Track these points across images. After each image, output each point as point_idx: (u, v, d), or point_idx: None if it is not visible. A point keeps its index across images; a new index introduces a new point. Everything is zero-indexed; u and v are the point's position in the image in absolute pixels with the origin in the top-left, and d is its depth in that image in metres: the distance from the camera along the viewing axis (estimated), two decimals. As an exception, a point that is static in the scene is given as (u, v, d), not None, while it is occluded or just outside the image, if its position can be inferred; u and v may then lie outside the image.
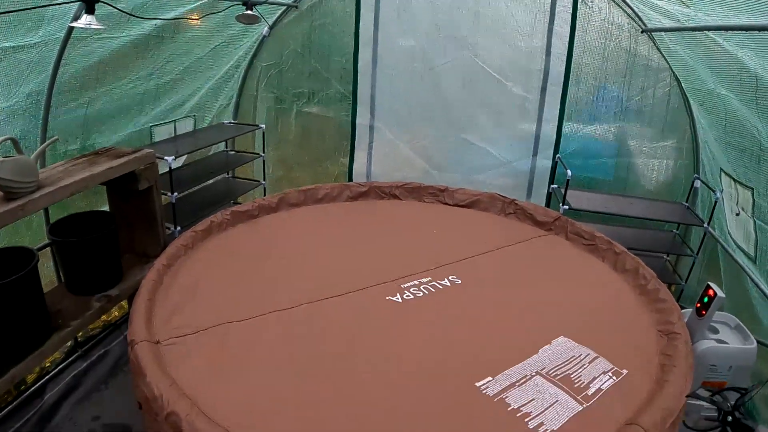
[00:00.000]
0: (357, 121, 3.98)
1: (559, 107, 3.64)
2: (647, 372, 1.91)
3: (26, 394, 2.77)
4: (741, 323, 2.78)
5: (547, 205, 3.74)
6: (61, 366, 3.02)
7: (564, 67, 3.57)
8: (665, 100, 3.85)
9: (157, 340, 1.94)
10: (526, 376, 1.85)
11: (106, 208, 3.07)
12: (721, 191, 3.29)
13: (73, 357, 3.10)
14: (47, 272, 2.88)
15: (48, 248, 2.86)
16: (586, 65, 3.86)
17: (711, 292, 2.63)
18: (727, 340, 2.73)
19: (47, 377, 2.91)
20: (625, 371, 1.90)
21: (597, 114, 3.98)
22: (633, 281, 2.51)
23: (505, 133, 3.82)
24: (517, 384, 1.81)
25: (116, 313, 3.53)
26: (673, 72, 3.71)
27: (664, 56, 3.71)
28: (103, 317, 3.25)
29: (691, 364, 1.90)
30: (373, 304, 2.26)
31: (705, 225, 3.43)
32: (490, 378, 1.84)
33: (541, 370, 1.88)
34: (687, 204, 3.81)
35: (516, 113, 3.76)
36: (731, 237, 3.18)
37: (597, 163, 4.07)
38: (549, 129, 3.70)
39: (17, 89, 2.60)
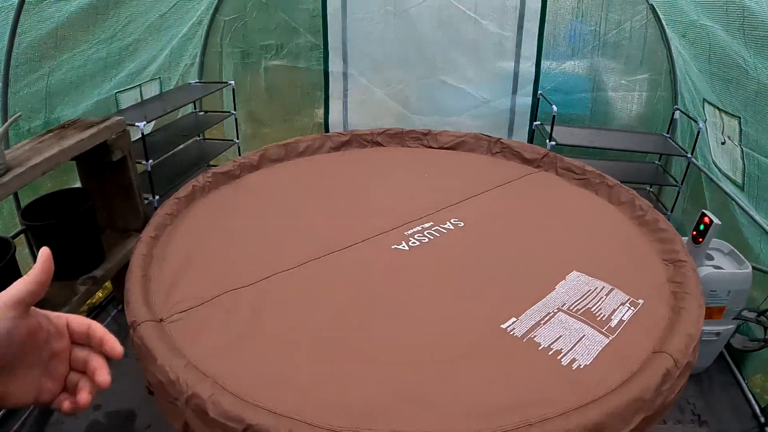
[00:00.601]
0: (330, 69, 3.84)
1: (536, 44, 3.58)
2: (662, 300, 1.89)
3: None
4: (734, 249, 2.83)
5: (531, 141, 3.71)
6: None
7: (540, 3, 3.49)
8: (642, 33, 3.81)
9: (160, 319, 1.78)
10: (549, 313, 1.81)
11: (77, 184, 2.89)
12: (704, 121, 3.30)
13: None
14: (24, 260, 2.67)
15: (22, 235, 2.67)
16: (563, 0, 3.77)
17: (707, 219, 2.67)
18: (722, 265, 2.79)
19: None
20: (641, 301, 1.88)
21: (574, 50, 3.93)
22: (630, 213, 2.49)
23: (482, 72, 3.75)
24: (542, 322, 1.77)
25: (100, 294, 3.38)
26: (650, 5, 3.67)
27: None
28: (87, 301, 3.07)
29: (702, 291, 1.88)
30: (380, 255, 2.17)
31: (688, 155, 3.45)
32: (514, 318, 1.79)
33: (562, 306, 1.85)
34: (668, 135, 3.82)
35: (493, 52, 3.68)
36: (716, 166, 3.22)
37: (575, 99, 4.05)
38: (527, 66, 3.64)
39: (-30, 65, 2.39)
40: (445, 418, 1.41)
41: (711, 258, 2.83)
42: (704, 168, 3.38)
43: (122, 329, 3.06)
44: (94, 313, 3.23)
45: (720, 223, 2.64)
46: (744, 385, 2.92)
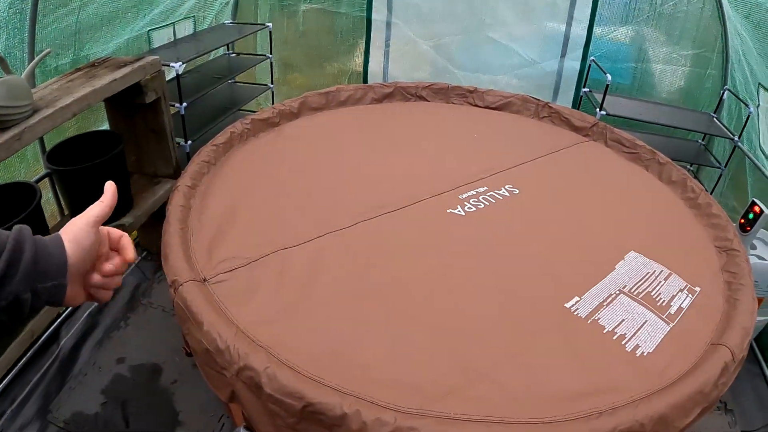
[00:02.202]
0: (373, 17, 3.69)
1: (590, 7, 3.43)
2: (717, 289, 1.84)
3: (40, 341, 2.51)
4: (778, 240, 2.76)
5: (577, 108, 3.60)
6: None
7: (599, -36, 3.34)
8: (698, 8, 3.65)
9: (203, 278, 1.67)
10: (611, 294, 1.75)
11: (102, 126, 2.78)
12: (757, 106, 3.18)
13: None
14: (47, 205, 2.61)
15: (47, 178, 2.58)
16: (622, -36, 3.61)
17: (757, 208, 2.60)
18: (765, 256, 2.72)
19: (60, 319, 2.64)
20: (698, 289, 1.83)
21: (627, 17, 3.76)
22: (681, 193, 2.42)
23: (532, 31, 3.61)
24: (605, 304, 1.71)
25: (126, 241, 3.28)
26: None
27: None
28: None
29: (753, 282, 1.84)
30: (436, 219, 2.09)
31: (735, 138, 3.34)
32: (578, 298, 1.73)
33: (623, 288, 1.79)
34: (715, 115, 3.70)
35: (545, 11, 3.54)
36: (763, 153, 3.12)
37: (621, 68, 3.91)
38: (579, 29, 3.50)
39: (-3, -3, 2.24)
40: (517, 402, 1.36)
41: (754, 248, 2.76)
42: (749, 153, 3.27)
43: (147, 277, 3.00)
44: (119, 259, 3.13)
45: (770, 213, 2.56)
46: (769, 376, 2.90)
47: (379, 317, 1.61)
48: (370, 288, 1.73)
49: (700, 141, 3.89)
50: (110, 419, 2.24)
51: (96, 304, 2.75)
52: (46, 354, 2.48)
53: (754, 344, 3.03)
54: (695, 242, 2.11)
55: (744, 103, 3.34)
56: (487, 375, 1.43)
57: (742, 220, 2.65)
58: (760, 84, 3.16)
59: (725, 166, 3.47)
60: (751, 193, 3.27)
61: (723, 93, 3.69)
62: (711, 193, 3.41)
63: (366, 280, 1.76)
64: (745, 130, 3.31)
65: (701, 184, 3.64)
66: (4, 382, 2.31)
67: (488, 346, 1.54)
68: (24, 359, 2.41)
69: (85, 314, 2.71)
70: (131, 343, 2.59)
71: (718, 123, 3.60)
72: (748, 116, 3.24)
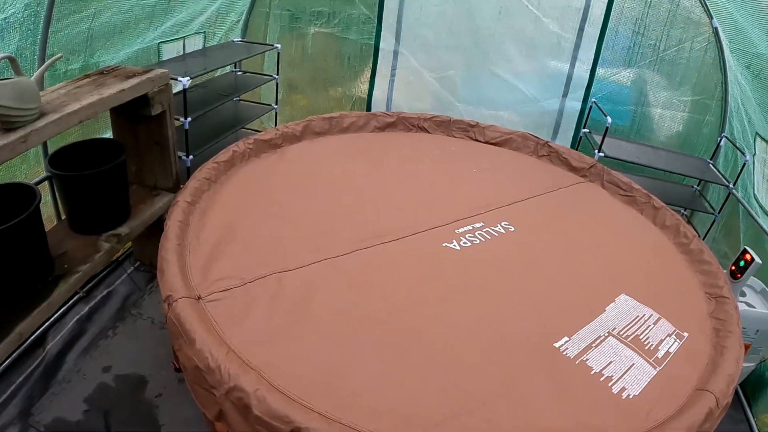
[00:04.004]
0: (380, 46, 3.77)
1: (594, 49, 3.49)
2: (705, 335, 1.87)
3: (25, 344, 2.50)
4: (767, 288, 2.79)
5: (576, 149, 3.64)
6: (62, 310, 2.73)
7: (605, 8, 3.40)
8: (701, 56, 3.71)
9: (198, 296, 1.69)
10: (600, 336, 1.78)
11: (105, 134, 2.79)
12: (753, 155, 3.23)
13: (75, 299, 2.82)
14: (45, 208, 2.55)
15: (46, 181, 2.57)
16: (627, 9, 3.66)
17: (748, 256, 2.62)
18: (754, 303, 2.75)
19: (47, 323, 2.64)
20: (686, 334, 1.85)
21: (630, 61, 3.83)
22: (674, 239, 2.46)
23: (535, 69, 3.68)
24: (593, 345, 1.73)
25: (121, 249, 3.27)
26: (714, 29, 3.57)
27: (708, 11, 3.55)
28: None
29: (741, 330, 1.88)
30: (432, 252, 2.12)
31: (730, 185, 3.39)
32: (567, 338, 1.75)
33: (613, 330, 1.81)
34: (711, 161, 3.75)
35: (549, 51, 3.61)
36: (757, 201, 3.16)
37: (622, 110, 3.96)
38: (582, 70, 3.58)
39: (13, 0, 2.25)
40: (504, 438, 1.37)
41: (743, 294, 2.78)
42: (743, 200, 3.31)
43: (138, 288, 2.99)
44: (110, 267, 3.12)
45: (761, 262, 2.59)
46: (753, 422, 2.90)
47: (370, 346, 1.63)
48: (362, 316, 1.75)
49: (695, 186, 3.93)
50: (92, 428, 2.23)
51: (85, 309, 2.75)
52: (31, 357, 2.48)
53: (740, 390, 3.04)
54: (685, 288, 2.14)
55: (740, 151, 3.39)
56: (474, 409, 1.44)
57: (733, 267, 2.68)
58: (757, 134, 3.21)
59: (719, 213, 3.50)
60: (743, 240, 3.30)
61: (720, 140, 3.75)
62: (704, 239, 3.45)
63: (359, 309, 1.78)
64: (740, 177, 3.35)
65: (695, 228, 3.70)
66: None
67: (477, 380, 1.56)
68: (8, 360, 2.40)
69: (74, 320, 2.70)
70: (118, 352, 2.58)
71: (714, 169, 3.65)
72: (744, 164, 3.28)
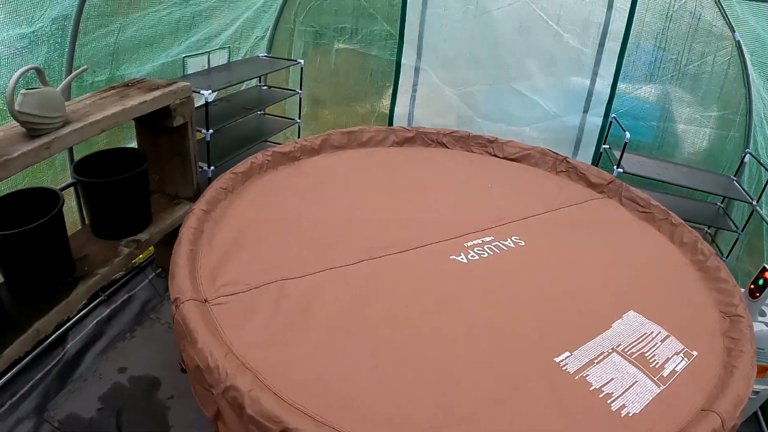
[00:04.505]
0: (402, 62, 3.82)
1: (615, 64, 3.48)
2: (715, 355, 1.84)
3: (46, 343, 2.62)
4: (790, 307, 2.71)
5: (596, 165, 3.63)
6: (83, 312, 2.85)
7: (625, 23, 3.39)
8: (723, 70, 3.67)
9: (204, 299, 1.76)
10: (604, 353, 1.77)
11: (131, 144, 2.88)
12: (778, 171, 3.18)
13: (96, 302, 2.93)
14: (69, 213, 2.71)
15: (71, 187, 2.69)
16: (647, 24, 3.65)
17: (767, 275, 2.56)
18: (773, 324, 2.67)
19: (68, 324, 2.75)
20: (695, 353, 1.82)
21: (652, 76, 3.80)
22: (691, 256, 2.42)
23: (556, 86, 3.68)
24: (595, 361, 1.73)
25: (140, 256, 3.35)
26: (737, 42, 3.53)
27: (729, 24, 3.51)
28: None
29: (755, 350, 1.83)
30: (438, 264, 2.14)
31: (753, 202, 3.33)
32: (569, 353, 1.75)
33: (617, 346, 1.80)
34: (735, 178, 3.69)
35: (570, 66, 3.61)
36: (780, 218, 3.10)
37: (644, 126, 3.93)
38: (603, 86, 3.56)
39: (42, 13, 2.35)
40: (495, 450, 1.38)
41: (763, 314, 2.72)
42: (767, 217, 3.25)
43: (158, 293, 3.08)
44: (132, 273, 3.23)
45: (781, 280, 2.53)
46: (776, 448, 2.83)
47: (367, 354, 1.65)
48: (362, 324, 1.78)
49: (719, 203, 3.87)
50: (104, 425, 2.32)
51: (106, 312, 2.84)
52: (50, 356, 2.58)
53: (760, 414, 2.96)
54: (699, 306, 2.11)
55: (764, 168, 3.33)
56: (468, 418, 1.46)
57: (752, 286, 2.62)
58: (781, 149, 3.17)
59: (742, 231, 3.44)
60: (767, 258, 3.23)
61: (744, 156, 3.68)
62: (727, 257, 3.40)
63: (359, 317, 1.81)
64: (764, 194, 3.29)
65: (718, 247, 3.64)
66: (7, 377, 2.40)
67: (473, 390, 1.57)
68: (29, 357, 2.51)
69: (94, 322, 2.80)
70: (134, 354, 2.67)
71: (738, 186, 3.59)
72: (767, 181, 3.22)
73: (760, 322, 2.65)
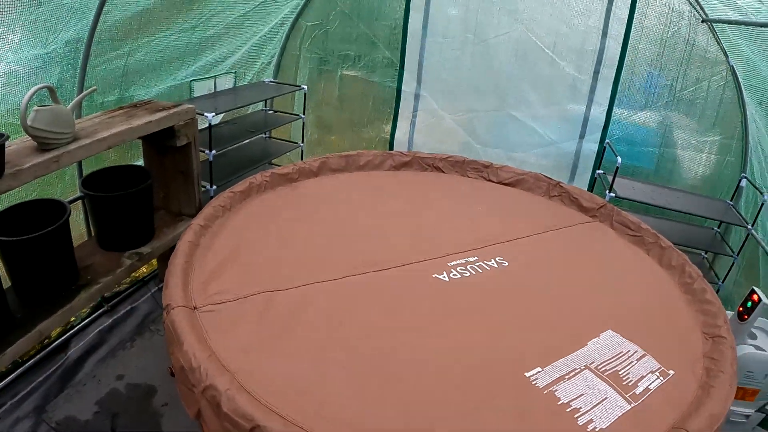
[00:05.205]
0: (402, 88, 3.91)
1: (610, 91, 3.55)
2: (693, 374, 1.86)
3: (50, 347, 2.75)
4: (780, 330, 2.73)
5: (591, 190, 3.69)
6: (86, 321, 2.99)
7: (620, 50, 3.47)
8: (719, 94, 3.73)
9: (194, 306, 1.87)
10: (576, 369, 1.81)
11: (139, 162, 3.00)
12: (771, 194, 3.21)
13: (99, 312, 3.06)
14: (77, 225, 2.82)
15: (79, 201, 2.80)
16: (641, 50, 3.73)
17: (755, 297, 2.59)
18: (764, 347, 2.69)
19: (72, 332, 2.88)
20: (672, 372, 1.85)
21: (648, 102, 3.86)
22: (678, 278, 2.45)
23: (553, 112, 3.75)
24: (566, 377, 1.77)
25: (144, 269, 3.50)
26: (731, 66, 3.59)
27: (723, 49, 3.58)
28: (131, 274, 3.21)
29: (736, 370, 1.85)
30: (420, 281, 2.21)
31: (749, 226, 3.35)
32: (540, 369, 1.79)
33: (590, 364, 1.84)
34: (731, 203, 3.72)
35: (566, 93, 3.67)
36: (776, 242, 3.12)
37: (643, 152, 3.98)
38: (599, 112, 3.62)
39: (56, 36, 2.50)
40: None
41: (754, 337, 2.73)
42: (763, 242, 3.27)
43: (159, 307, 3.18)
44: (135, 286, 3.36)
45: (768, 302, 2.56)
46: (764, 473, 2.82)
47: (343, 364, 1.73)
48: (342, 335, 1.86)
49: (716, 228, 3.89)
50: (99, 428, 2.42)
51: (108, 322, 2.96)
52: (53, 360, 2.70)
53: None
54: (682, 327, 2.14)
55: (759, 191, 3.36)
56: (431, 428, 1.51)
57: (741, 308, 2.65)
58: (773, 172, 3.20)
59: (737, 255, 3.46)
60: (762, 282, 3.24)
61: (741, 180, 3.71)
62: (723, 281, 3.41)
63: (340, 329, 1.89)
64: (759, 218, 3.32)
65: (715, 272, 3.65)
66: (9, 378, 2.53)
67: (439, 403, 1.62)
68: (32, 361, 2.64)
69: (96, 331, 2.94)
70: (133, 363, 2.79)
71: (734, 211, 3.61)
72: (762, 204, 3.25)
73: (750, 344, 2.67)
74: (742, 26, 3.07)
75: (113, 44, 2.88)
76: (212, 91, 3.76)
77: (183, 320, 1.74)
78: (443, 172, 3.36)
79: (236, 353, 1.68)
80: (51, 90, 2.08)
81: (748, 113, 3.66)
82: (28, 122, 1.95)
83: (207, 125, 3.07)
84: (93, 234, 2.70)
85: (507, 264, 2.41)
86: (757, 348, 2.65)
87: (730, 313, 2.52)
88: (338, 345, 1.81)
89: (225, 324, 1.82)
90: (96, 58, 2.78)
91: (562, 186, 3.14)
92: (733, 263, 3.49)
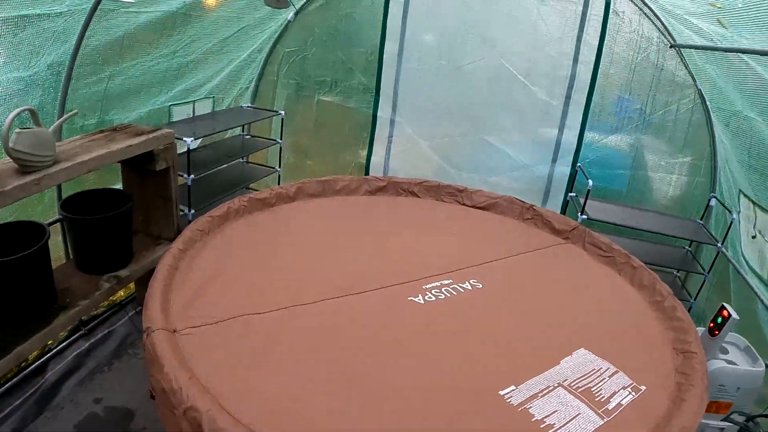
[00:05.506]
0: (378, 114, 3.95)
1: (582, 115, 3.63)
2: (664, 389, 1.91)
3: (27, 371, 2.73)
4: (750, 345, 2.79)
5: (564, 212, 3.74)
6: (63, 344, 2.97)
7: (590, 75, 3.55)
8: (687, 117, 3.84)
9: (174, 329, 1.90)
10: (549, 387, 1.85)
11: (118, 185, 3.01)
12: (738, 213, 3.29)
13: (77, 335, 3.05)
14: (55, 248, 2.82)
15: (58, 223, 2.82)
16: (612, 75, 3.84)
17: (725, 312, 2.64)
18: (736, 361, 2.74)
19: (49, 355, 2.87)
20: (643, 387, 1.90)
21: (618, 125, 3.96)
22: (649, 297, 2.51)
23: (526, 137, 3.80)
24: (540, 394, 1.80)
25: (122, 293, 3.47)
26: (699, 90, 3.71)
27: (690, 73, 3.71)
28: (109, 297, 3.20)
29: (707, 384, 1.90)
30: (395, 304, 2.25)
31: (719, 245, 3.44)
32: (514, 387, 1.83)
33: (563, 381, 1.88)
34: (701, 222, 3.81)
35: (538, 118, 3.74)
36: (744, 259, 3.19)
37: (614, 174, 4.07)
38: (570, 136, 3.68)
39: (39, 59, 2.54)
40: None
41: (725, 351, 2.79)
42: (733, 259, 3.35)
43: (137, 330, 3.17)
44: (113, 310, 3.35)
45: (738, 318, 2.61)
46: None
47: (321, 385, 1.76)
48: (320, 357, 1.89)
49: (686, 248, 3.98)
50: (78, 452, 2.39)
51: (86, 345, 2.94)
52: (30, 383, 2.68)
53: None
54: (653, 343, 2.19)
55: (728, 210, 3.45)
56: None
57: (711, 324, 2.70)
58: (740, 190, 3.28)
59: (708, 272, 3.54)
60: (734, 299, 3.30)
61: (710, 200, 3.81)
62: (695, 299, 3.48)
63: (318, 350, 1.92)
64: (729, 237, 3.40)
65: (687, 291, 3.72)
66: None
67: (419, 418, 1.66)
68: (9, 384, 2.62)
69: (73, 354, 2.92)
70: (110, 386, 2.78)
71: (704, 230, 3.70)
72: (731, 223, 3.33)
73: (722, 359, 2.73)
74: (708, 51, 3.17)
75: (94, 68, 2.92)
76: (191, 115, 3.79)
77: (163, 342, 1.76)
78: (418, 196, 3.41)
79: (216, 375, 1.71)
80: (33, 112, 2.11)
81: (716, 134, 3.77)
82: (10, 144, 1.97)
83: (186, 149, 3.09)
84: (71, 257, 2.70)
85: (481, 286, 2.45)
86: (729, 362, 2.70)
87: (701, 330, 2.58)
88: (317, 366, 1.84)
89: (205, 346, 1.85)
90: (77, 82, 2.81)
91: (535, 209, 3.21)
92: (705, 281, 3.57)
